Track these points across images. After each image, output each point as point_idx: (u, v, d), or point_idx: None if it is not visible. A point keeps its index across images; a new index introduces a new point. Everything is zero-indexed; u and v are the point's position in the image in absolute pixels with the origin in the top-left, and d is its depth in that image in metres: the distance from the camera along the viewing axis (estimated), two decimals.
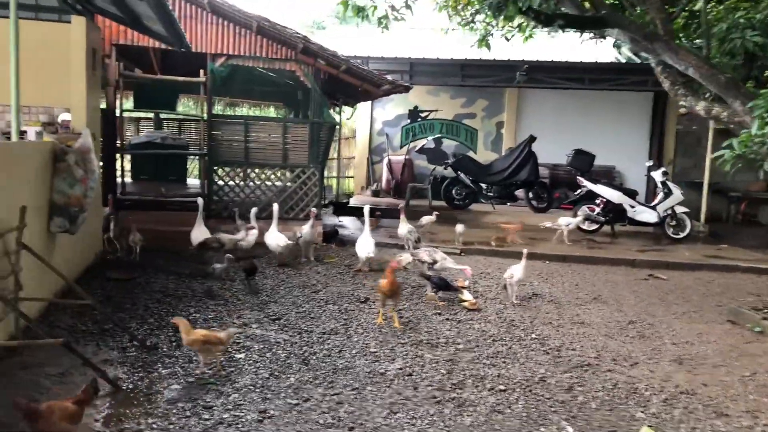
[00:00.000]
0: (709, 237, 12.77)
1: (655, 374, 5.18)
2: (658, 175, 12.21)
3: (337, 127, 13.23)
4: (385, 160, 16.36)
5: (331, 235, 10.41)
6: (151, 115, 14.97)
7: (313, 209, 9.25)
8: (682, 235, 12.03)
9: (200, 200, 8.72)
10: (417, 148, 16.38)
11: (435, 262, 7.03)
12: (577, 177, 12.62)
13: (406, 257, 7.52)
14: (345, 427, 3.96)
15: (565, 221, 11.20)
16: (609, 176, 15.57)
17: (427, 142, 16.46)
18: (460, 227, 10.16)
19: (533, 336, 6.00)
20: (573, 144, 15.39)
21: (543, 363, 5.28)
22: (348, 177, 17.86)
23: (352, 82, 10.51)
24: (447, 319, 6.40)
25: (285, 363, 4.99)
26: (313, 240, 8.92)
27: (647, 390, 4.81)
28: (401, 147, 16.73)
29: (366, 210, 8.58)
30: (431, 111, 16.73)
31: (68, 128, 7.46)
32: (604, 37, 10.48)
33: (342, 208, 13.86)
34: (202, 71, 9.95)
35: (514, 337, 5.96)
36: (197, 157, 15.39)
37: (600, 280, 8.72)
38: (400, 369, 4.98)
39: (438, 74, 15.23)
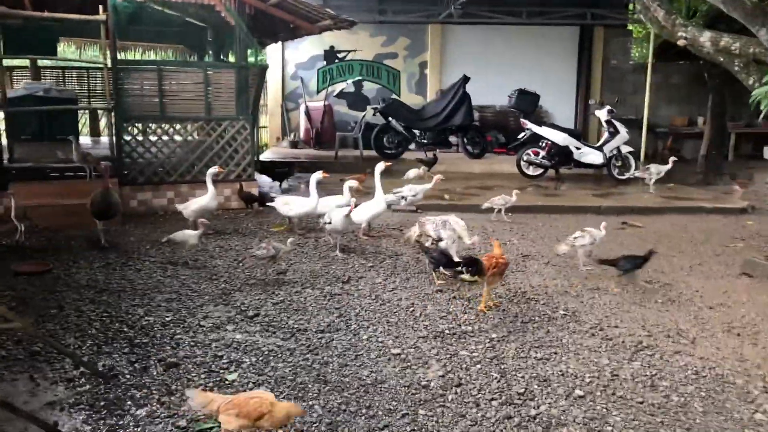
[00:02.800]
0: None
1: (723, 352, 4.46)
2: (603, 114, 11.73)
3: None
4: (302, 108, 14.88)
5: (255, 197, 8.91)
6: (26, 63, 12.67)
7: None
8: (627, 175, 11.66)
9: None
10: (335, 93, 15.04)
11: (440, 240, 5.86)
12: (521, 119, 11.89)
13: (413, 230, 6.32)
14: None
15: (656, 169, 10.64)
16: (537, 115, 14.98)
17: (347, 85, 15.15)
18: (412, 171, 10.22)
19: (562, 312, 5.14)
20: (500, 84, 14.72)
21: (597, 349, 4.43)
22: (261, 127, 16.28)
23: (283, 17, 9.06)
24: (454, 297, 5.42)
25: (296, 382, 3.84)
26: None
27: (734, 376, 4.06)
28: (318, 92, 15.34)
29: (377, 168, 7.22)
30: (349, 51, 15.40)
31: None
32: None
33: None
34: (101, 7, 8.15)
35: (542, 314, 5.08)
36: (88, 112, 13.39)
37: (575, 231, 8.00)
38: (443, 377, 3.96)
39: (354, 9, 13.82)
